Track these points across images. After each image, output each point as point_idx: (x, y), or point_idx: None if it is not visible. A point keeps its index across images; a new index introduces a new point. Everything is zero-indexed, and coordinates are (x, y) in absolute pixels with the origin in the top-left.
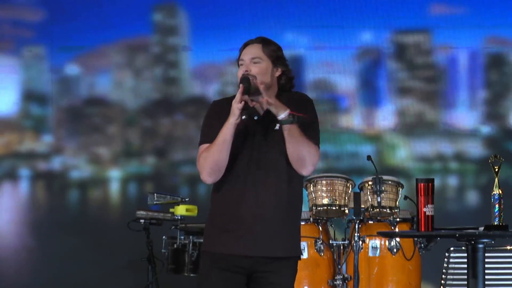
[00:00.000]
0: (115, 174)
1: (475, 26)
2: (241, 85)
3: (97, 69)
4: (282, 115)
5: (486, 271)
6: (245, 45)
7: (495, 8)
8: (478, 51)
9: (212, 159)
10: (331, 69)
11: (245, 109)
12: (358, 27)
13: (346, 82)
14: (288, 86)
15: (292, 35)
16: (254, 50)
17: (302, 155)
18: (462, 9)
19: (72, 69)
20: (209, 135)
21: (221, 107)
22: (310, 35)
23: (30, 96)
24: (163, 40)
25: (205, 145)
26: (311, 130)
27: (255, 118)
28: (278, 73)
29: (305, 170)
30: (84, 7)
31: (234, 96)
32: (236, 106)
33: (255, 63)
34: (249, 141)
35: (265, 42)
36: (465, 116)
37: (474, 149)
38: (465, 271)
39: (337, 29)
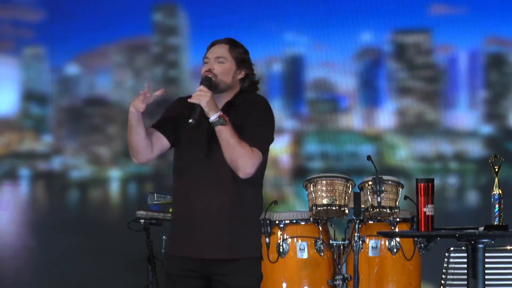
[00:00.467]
0: (115, 174)
1: (475, 26)
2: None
3: (97, 69)
4: (212, 117)
5: (486, 271)
6: (213, 44)
7: (495, 8)
8: (478, 51)
9: (129, 142)
10: (331, 69)
11: (194, 110)
12: (358, 27)
13: (346, 82)
14: (252, 89)
15: (292, 35)
16: (221, 50)
17: (234, 158)
18: (462, 9)
19: (72, 69)
20: (158, 121)
21: (182, 103)
22: (310, 35)
23: (30, 96)
24: (163, 40)
25: (149, 129)
26: (254, 133)
27: (190, 121)
28: (241, 76)
29: (241, 173)
30: (84, 7)
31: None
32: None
33: (219, 63)
34: (197, 143)
35: (232, 44)
36: (465, 116)
37: (474, 149)
38: (465, 271)
39: (337, 29)
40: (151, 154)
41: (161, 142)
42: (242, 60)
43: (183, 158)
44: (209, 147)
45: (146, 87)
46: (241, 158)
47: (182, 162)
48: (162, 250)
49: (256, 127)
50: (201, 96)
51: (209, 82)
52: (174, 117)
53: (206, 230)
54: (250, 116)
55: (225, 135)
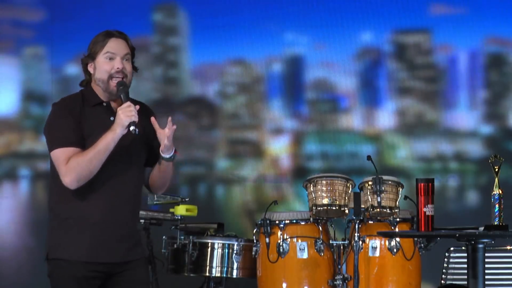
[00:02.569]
0: None
1: (475, 26)
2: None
3: None
4: (171, 154)
5: (486, 271)
6: (111, 36)
7: (495, 8)
8: (478, 51)
9: (88, 167)
10: (331, 69)
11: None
12: (358, 27)
13: (346, 82)
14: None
15: (292, 35)
16: (124, 46)
17: (167, 182)
18: (462, 9)
19: (72, 69)
20: (71, 137)
21: (72, 107)
22: (310, 35)
23: (30, 96)
24: (163, 40)
25: (71, 149)
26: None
27: (136, 132)
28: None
29: (163, 191)
30: (84, 7)
31: (77, 95)
32: (127, 116)
33: (126, 61)
34: (114, 149)
35: (128, 39)
36: (465, 116)
37: (474, 149)
38: (465, 271)
39: (337, 29)
40: None
41: None
42: (133, 55)
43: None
44: (124, 155)
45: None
46: (169, 179)
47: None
48: (163, 250)
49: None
50: (136, 117)
51: (126, 87)
52: (78, 125)
53: (122, 235)
54: (152, 131)
55: (171, 167)
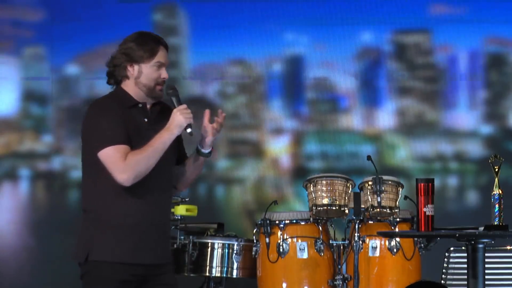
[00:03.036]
0: None
1: (475, 26)
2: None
3: (97, 69)
4: (209, 150)
5: (486, 271)
6: (160, 44)
7: (495, 8)
8: (478, 51)
9: (146, 165)
10: (331, 69)
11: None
12: (358, 27)
13: (346, 82)
14: None
15: (292, 35)
16: (167, 55)
17: (192, 180)
18: (462, 9)
19: (72, 69)
20: (120, 135)
21: (113, 107)
22: (310, 34)
23: (30, 96)
24: None
25: (123, 146)
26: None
27: (192, 134)
28: None
29: (183, 189)
30: (84, 7)
31: (112, 96)
32: (186, 118)
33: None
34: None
35: (167, 46)
36: (465, 116)
37: (474, 149)
38: (465, 271)
39: (337, 29)
40: None
41: None
42: None
43: None
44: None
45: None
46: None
47: None
48: None
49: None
50: (191, 118)
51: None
52: (124, 125)
53: (160, 236)
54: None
55: (202, 164)
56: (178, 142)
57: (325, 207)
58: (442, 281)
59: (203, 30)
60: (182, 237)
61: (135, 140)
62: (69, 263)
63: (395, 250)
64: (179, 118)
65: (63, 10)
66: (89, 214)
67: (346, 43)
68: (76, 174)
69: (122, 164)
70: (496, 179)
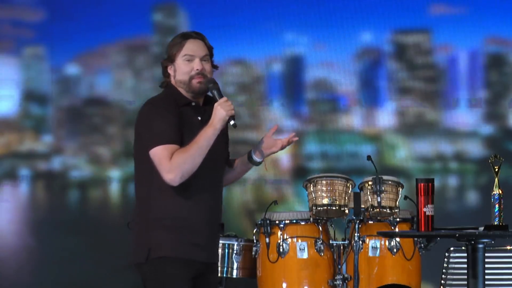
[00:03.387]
0: (115, 174)
1: (475, 26)
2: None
3: (97, 69)
4: (262, 159)
5: (486, 271)
6: (188, 37)
7: (495, 8)
8: (478, 51)
9: (192, 163)
10: (331, 69)
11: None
12: (358, 27)
13: (346, 82)
14: None
15: (292, 35)
16: (203, 48)
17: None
18: (462, 9)
19: (72, 69)
20: (172, 134)
21: (168, 106)
22: (310, 35)
23: (30, 96)
24: (163, 40)
25: (172, 146)
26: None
27: (235, 125)
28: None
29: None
30: (84, 7)
31: (167, 95)
32: (227, 111)
33: (205, 61)
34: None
35: (205, 39)
36: (465, 116)
37: (474, 149)
38: (465, 271)
39: (337, 29)
40: None
41: None
42: (211, 55)
43: None
44: (213, 152)
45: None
46: None
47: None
48: None
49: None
50: (233, 110)
51: (216, 83)
52: (177, 124)
53: (215, 235)
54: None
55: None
56: (226, 142)
57: (325, 207)
58: (442, 281)
59: (203, 30)
60: None
61: (189, 139)
62: (69, 263)
63: (395, 250)
64: (221, 112)
65: (63, 10)
66: (145, 213)
67: (346, 43)
68: (76, 174)
69: (169, 163)
70: (496, 179)
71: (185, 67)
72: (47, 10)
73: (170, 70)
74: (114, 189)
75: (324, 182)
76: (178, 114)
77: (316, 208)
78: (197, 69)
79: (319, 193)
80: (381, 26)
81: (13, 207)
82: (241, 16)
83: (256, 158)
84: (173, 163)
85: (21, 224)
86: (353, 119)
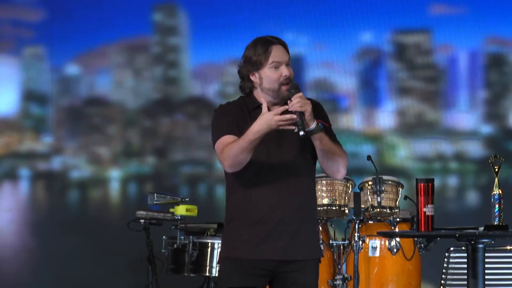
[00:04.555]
0: (115, 174)
1: (475, 26)
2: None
3: (97, 69)
4: (313, 125)
5: (486, 271)
6: (271, 43)
7: (495, 8)
8: (478, 51)
9: (238, 153)
10: (331, 69)
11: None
12: (358, 27)
13: (346, 82)
14: None
15: (292, 35)
16: (286, 54)
17: (336, 161)
18: (462, 9)
19: (72, 69)
20: (226, 129)
21: (230, 109)
22: (310, 35)
23: (30, 96)
24: (163, 40)
25: (228, 136)
26: (333, 135)
27: (302, 134)
28: None
29: (339, 175)
30: (84, 7)
31: (237, 101)
32: (276, 123)
33: (288, 65)
34: (269, 141)
35: (284, 43)
36: (465, 116)
37: (474, 149)
38: (465, 271)
39: (337, 29)
40: None
41: None
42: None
43: (255, 161)
44: (280, 148)
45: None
46: (341, 159)
47: (255, 165)
48: (163, 250)
49: (331, 130)
50: (305, 104)
51: (299, 88)
52: (237, 122)
53: (284, 231)
54: (322, 118)
55: (326, 140)
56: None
57: (325, 207)
58: (442, 281)
59: (203, 30)
60: (182, 237)
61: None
62: (69, 263)
63: (395, 250)
64: (269, 120)
65: (63, 10)
66: (226, 211)
67: (346, 43)
68: (76, 174)
69: (221, 154)
70: (496, 179)
71: (274, 75)
72: (47, 10)
73: (254, 77)
74: (114, 189)
75: (324, 182)
76: (241, 117)
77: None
78: (285, 76)
79: (319, 193)
80: (381, 26)
81: (13, 207)
82: (241, 16)
83: (308, 128)
84: (224, 152)
85: (21, 224)
86: (353, 119)
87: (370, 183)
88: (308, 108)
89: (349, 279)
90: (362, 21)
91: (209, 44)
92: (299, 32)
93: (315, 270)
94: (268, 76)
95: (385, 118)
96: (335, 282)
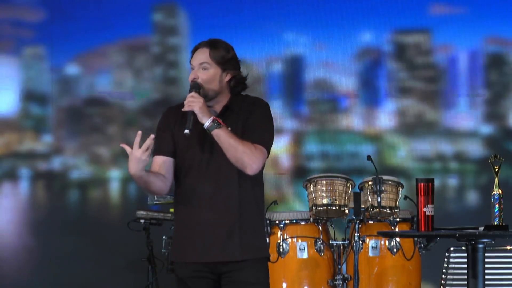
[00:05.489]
0: (115, 174)
1: (475, 26)
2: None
3: (97, 69)
4: (206, 122)
5: (486, 271)
6: (195, 48)
7: (495, 8)
8: (478, 51)
9: (143, 188)
10: (331, 69)
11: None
12: (358, 27)
13: (346, 82)
14: (239, 88)
15: (292, 35)
16: (203, 56)
17: (239, 156)
18: (462, 9)
19: (72, 69)
20: (159, 146)
21: (172, 112)
22: (310, 35)
23: (30, 96)
24: (163, 40)
25: (156, 158)
26: (255, 131)
27: (186, 132)
28: (227, 78)
29: (248, 170)
30: (84, 7)
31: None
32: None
33: (204, 69)
34: (195, 148)
35: (213, 46)
36: (465, 116)
37: (474, 149)
38: (465, 271)
39: (337, 29)
40: (170, 181)
41: (171, 164)
42: (226, 62)
43: (184, 165)
44: (208, 150)
45: (138, 136)
46: (245, 155)
47: (184, 169)
48: (163, 250)
49: (257, 126)
50: (193, 103)
51: (198, 89)
52: (170, 132)
53: (217, 234)
54: (251, 117)
55: (224, 137)
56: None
57: (325, 207)
58: (442, 281)
59: (203, 30)
60: None
61: (183, 144)
62: (69, 263)
63: (395, 250)
64: (130, 166)
65: (63, 10)
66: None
67: (346, 43)
68: (76, 174)
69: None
70: (496, 179)
71: (190, 76)
72: (47, 10)
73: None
74: (114, 189)
75: (324, 182)
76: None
77: (316, 208)
78: (190, 79)
79: (319, 193)
80: (381, 26)
81: (13, 207)
82: (241, 16)
83: (204, 126)
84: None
85: (21, 224)
86: (353, 119)
87: (370, 183)
88: (195, 106)
89: (349, 279)
90: (362, 21)
91: None
92: (299, 32)
93: (259, 268)
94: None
95: (385, 118)
96: (335, 282)
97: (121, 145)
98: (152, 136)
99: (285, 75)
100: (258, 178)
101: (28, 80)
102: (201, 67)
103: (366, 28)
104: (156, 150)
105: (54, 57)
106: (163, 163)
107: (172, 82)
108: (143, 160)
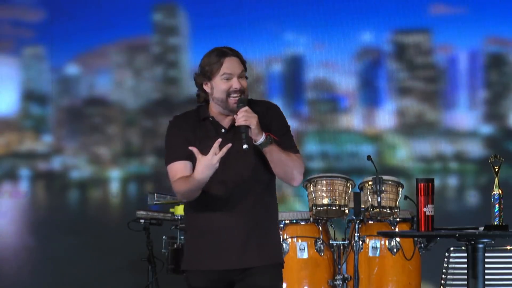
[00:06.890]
0: (115, 174)
1: (475, 26)
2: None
3: (97, 69)
4: (261, 138)
5: (486, 271)
6: (225, 55)
7: (495, 8)
8: (478, 51)
9: (187, 192)
10: (331, 69)
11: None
12: (358, 27)
13: (346, 82)
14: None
15: (292, 35)
16: (239, 65)
17: (289, 170)
18: (462, 9)
19: (72, 69)
20: (180, 149)
21: (183, 121)
22: (310, 35)
23: (30, 96)
24: (163, 40)
25: (179, 164)
26: (288, 140)
27: (245, 147)
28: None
29: (295, 182)
30: (84, 7)
31: (193, 112)
32: (217, 160)
33: (241, 78)
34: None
35: (239, 56)
36: (465, 116)
37: (474, 149)
38: (465, 271)
39: (337, 29)
40: None
41: (192, 168)
42: (245, 69)
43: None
44: (224, 157)
45: (217, 143)
46: (295, 169)
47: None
48: (163, 250)
49: (287, 134)
50: (250, 118)
51: (247, 103)
52: (184, 139)
53: (234, 240)
54: (275, 123)
55: (276, 152)
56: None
57: (325, 207)
58: (442, 281)
59: (203, 30)
60: (182, 237)
61: (204, 152)
62: (69, 263)
63: (395, 250)
64: (208, 164)
65: (63, 10)
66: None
67: (346, 43)
68: (76, 174)
69: (173, 183)
70: (496, 179)
71: (223, 85)
72: (47, 10)
73: (206, 87)
74: (114, 189)
75: (324, 182)
76: (190, 133)
77: (316, 208)
78: (235, 88)
79: (319, 193)
80: (381, 26)
81: (13, 207)
82: (241, 16)
83: (256, 143)
84: (173, 186)
85: (21, 224)
86: (353, 119)
87: (370, 183)
88: (253, 122)
89: (349, 279)
90: (362, 21)
91: (209, 44)
92: (299, 32)
93: (274, 274)
94: (218, 86)
95: (385, 118)
96: (335, 282)
97: (190, 148)
98: (220, 140)
99: (285, 75)
100: (273, 184)
101: (28, 80)
102: (240, 76)
103: (366, 28)
104: (176, 157)
105: (54, 57)
106: (188, 167)
107: (172, 82)
108: (216, 166)
